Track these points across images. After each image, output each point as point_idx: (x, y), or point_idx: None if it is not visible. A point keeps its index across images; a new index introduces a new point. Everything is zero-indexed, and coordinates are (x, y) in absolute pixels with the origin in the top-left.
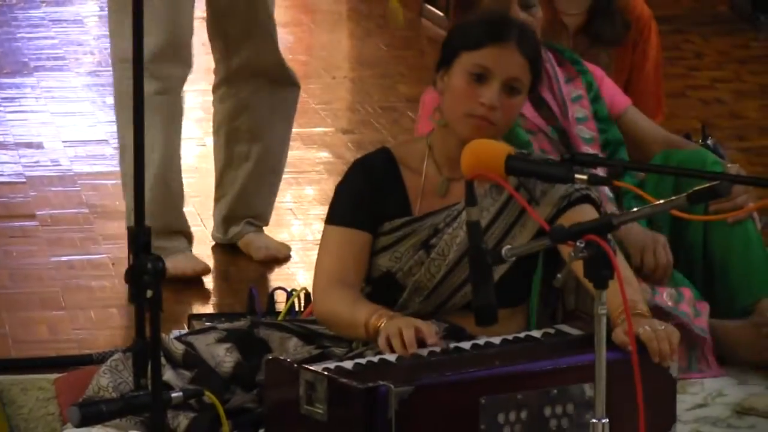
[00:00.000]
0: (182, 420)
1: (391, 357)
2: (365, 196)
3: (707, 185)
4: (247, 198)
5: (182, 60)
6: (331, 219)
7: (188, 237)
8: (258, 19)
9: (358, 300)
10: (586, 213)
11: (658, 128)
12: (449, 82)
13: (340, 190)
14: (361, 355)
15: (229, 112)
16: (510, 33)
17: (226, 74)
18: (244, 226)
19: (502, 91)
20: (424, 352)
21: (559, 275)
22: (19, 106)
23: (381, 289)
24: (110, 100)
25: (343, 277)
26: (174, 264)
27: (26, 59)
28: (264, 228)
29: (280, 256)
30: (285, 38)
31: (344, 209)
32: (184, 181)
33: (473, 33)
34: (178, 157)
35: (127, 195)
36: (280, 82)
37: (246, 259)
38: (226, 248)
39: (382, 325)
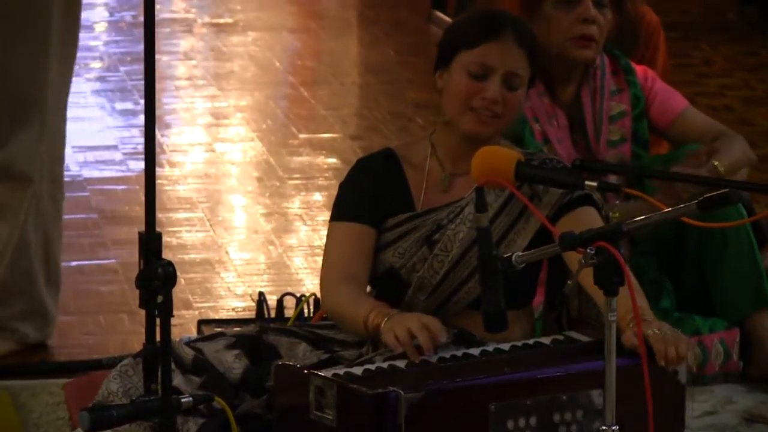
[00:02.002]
0: (192, 425)
1: (401, 363)
2: (368, 192)
3: (718, 192)
4: None
5: None
6: (336, 215)
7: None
8: None
9: (360, 296)
10: (589, 215)
11: (711, 126)
12: (449, 81)
13: (343, 187)
14: (370, 361)
15: None
16: (506, 27)
17: None
18: None
19: (503, 85)
20: (434, 358)
21: (569, 282)
22: None
23: (386, 287)
24: (120, 105)
25: (349, 271)
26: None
27: None
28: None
29: None
30: (293, 44)
31: (348, 205)
32: (194, 186)
33: (470, 31)
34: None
35: None
36: None
37: (254, 264)
38: (232, 253)
39: (383, 323)
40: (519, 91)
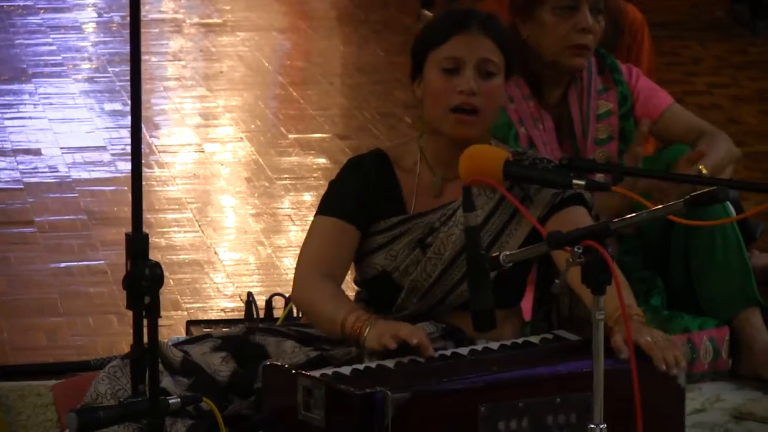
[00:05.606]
0: (180, 427)
1: (390, 363)
2: (358, 193)
3: (705, 190)
4: None
5: None
6: (321, 210)
7: None
8: None
9: (338, 295)
10: (578, 214)
11: (695, 124)
12: (425, 85)
13: (333, 184)
14: (359, 360)
15: None
16: (472, 20)
17: None
18: None
19: (477, 75)
20: (423, 358)
21: (556, 281)
22: (17, 112)
23: (378, 290)
24: (108, 106)
25: (326, 266)
26: None
27: (24, 65)
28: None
29: None
30: (282, 44)
31: (335, 201)
32: (183, 186)
33: (437, 30)
34: None
35: None
36: None
37: (243, 265)
38: (221, 253)
39: (367, 331)
40: (496, 79)
